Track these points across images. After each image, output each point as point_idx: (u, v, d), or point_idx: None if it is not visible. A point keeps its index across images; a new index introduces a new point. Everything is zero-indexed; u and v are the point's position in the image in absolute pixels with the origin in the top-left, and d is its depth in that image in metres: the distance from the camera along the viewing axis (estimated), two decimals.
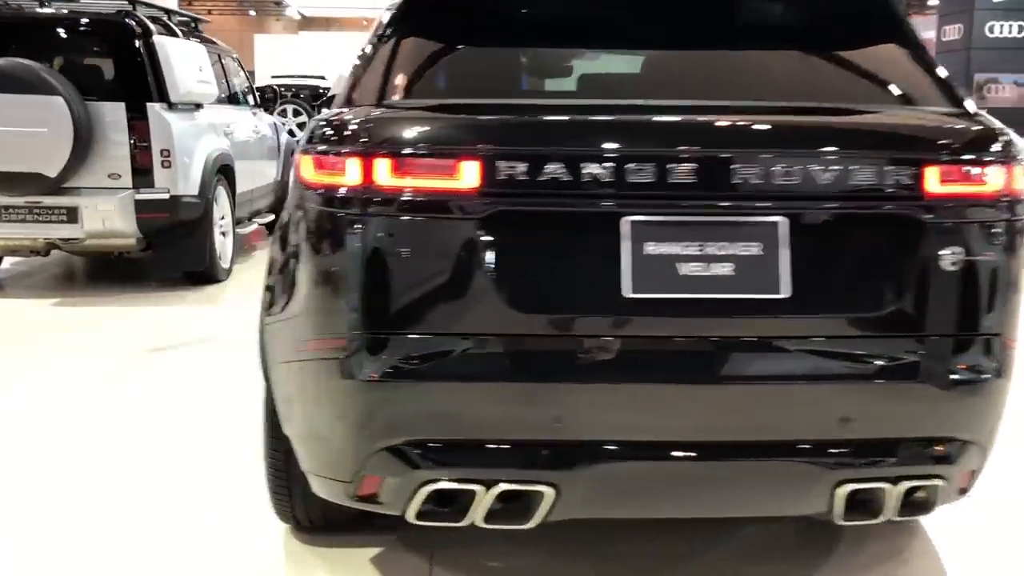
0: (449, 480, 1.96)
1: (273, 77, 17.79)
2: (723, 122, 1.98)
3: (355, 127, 2.01)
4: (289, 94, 15.47)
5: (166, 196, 6.20)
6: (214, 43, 8.02)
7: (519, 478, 1.95)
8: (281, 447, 2.52)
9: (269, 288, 2.40)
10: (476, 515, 2.01)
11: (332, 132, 2.07)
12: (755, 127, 1.99)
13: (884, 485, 1.98)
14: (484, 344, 1.92)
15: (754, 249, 1.89)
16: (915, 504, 2.07)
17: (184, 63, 6.55)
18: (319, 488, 2.28)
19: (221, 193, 6.89)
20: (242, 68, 8.62)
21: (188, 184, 6.35)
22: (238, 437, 3.59)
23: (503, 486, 1.94)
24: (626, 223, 1.88)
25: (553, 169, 1.86)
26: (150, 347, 4.98)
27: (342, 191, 1.99)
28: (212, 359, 4.79)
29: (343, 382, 1.99)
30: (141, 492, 3.10)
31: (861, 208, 1.94)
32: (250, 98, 8.63)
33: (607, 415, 1.93)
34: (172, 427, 3.74)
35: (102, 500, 3.03)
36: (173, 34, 6.73)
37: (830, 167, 1.90)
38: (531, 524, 2.02)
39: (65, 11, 6.61)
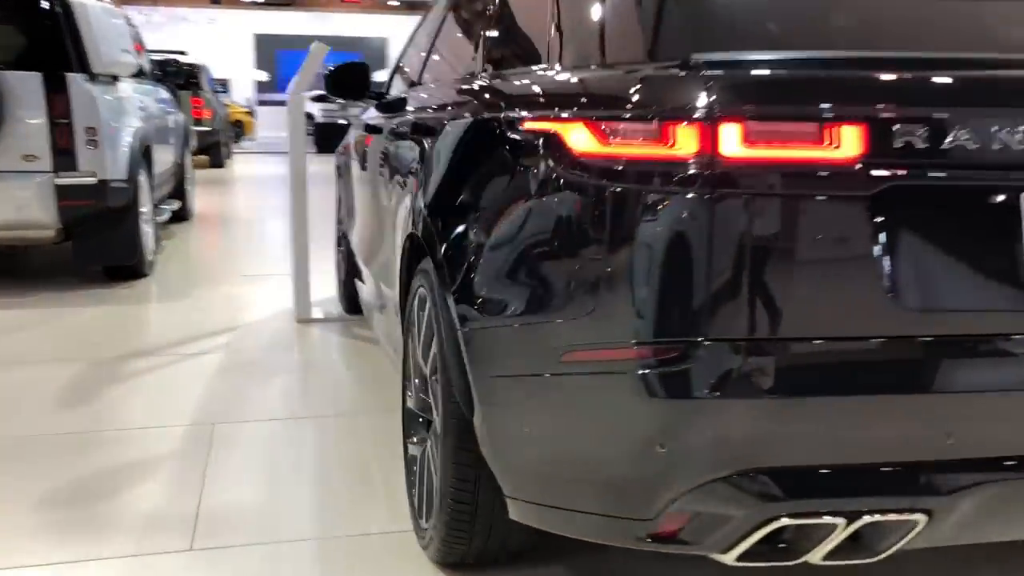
0: (806, 514, 1.62)
1: None
2: None
3: (680, 87, 1.62)
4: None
5: (93, 180, 5.42)
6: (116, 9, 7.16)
7: (890, 507, 1.63)
8: (471, 475, 2.11)
9: (474, 285, 1.97)
10: (819, 552, 1.68)
11: (638, 95, 1.67)
12: None
13: None
14: (858, 350, 1.59)
15: None
16: None
17: (106, 28, 5.77)
18: (565, 526, 1.90)
19: (143, 177, 6.13)
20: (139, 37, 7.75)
21: (116, 167, 5.59)
22: (269, 464, 3.11)
23: (869, 517, 1.63)
24: None
25: (958, 136, 1.55)
26: (104, 356, 4.28)
27: (658, 166, 1.60)
28: (184, 368, 4.17)
29: (663, 403, 1.61)
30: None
31: None
32: (145, 68, 7.76)
33: (1007, 427, 1.64)
34: (183, 453, 3.18)
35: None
36: None
37: None
38: (879, 557, 1.72)
39: None
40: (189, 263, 6.94)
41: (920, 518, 1.64)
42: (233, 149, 17.46)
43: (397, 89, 3.92)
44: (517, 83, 2.17)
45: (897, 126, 1.55)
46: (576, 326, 1.72)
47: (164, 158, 7.34)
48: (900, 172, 1.56)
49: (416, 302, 2.52)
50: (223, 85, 16.31)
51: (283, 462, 3.09)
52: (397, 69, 4.13)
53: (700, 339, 1.58)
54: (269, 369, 4.15)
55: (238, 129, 19.84)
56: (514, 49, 2.43)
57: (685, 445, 1.63)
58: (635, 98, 1.67)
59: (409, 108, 3.19)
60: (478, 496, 2.13)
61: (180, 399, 3.68)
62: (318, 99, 24.25)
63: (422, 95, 3.10)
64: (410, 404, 2.65)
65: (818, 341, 1.59)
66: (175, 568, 2.38)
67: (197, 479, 2.92)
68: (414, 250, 2.59)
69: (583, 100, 1.82)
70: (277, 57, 27.52)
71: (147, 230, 6.12)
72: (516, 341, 1.87)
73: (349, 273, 4.83)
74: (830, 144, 1.55)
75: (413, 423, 2.65)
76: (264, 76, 26.90)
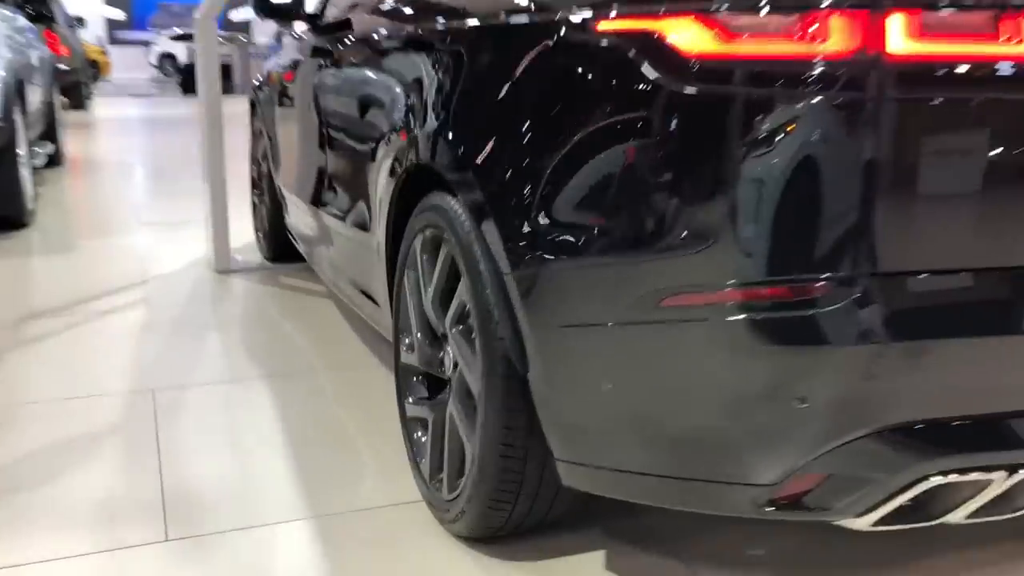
0: (963, 470, 1.42)
1: None
2: None
3: None
4: None
5: None
6: None
7: None
8: (520, 440, 1.84)
9: (536, 222, 1.67)
10: (965, 510, 1.49)
11: None
12: None
13: None
14: None
15: None
16: None
17: None
18: (643, 493, 1.67)
19: (18, 116, 5.46)
20: None
21: None
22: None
23: None
24: None
25: None
26: (1, 318, 3.77)
27: (804, 67, 1.33)
28: (101, 327, 3.70)
29: (807, 350, 1.37)
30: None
31: None
32: None
33: None
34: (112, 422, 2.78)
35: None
36: None
37: None
38: (1018, 513, 1.54)
39: None
40: (73, 212, 6.29)
41: None
42: (92, 90, 16.24)
43: (339, 9, 3.49)
44: None
45: None
46: (686, 264, 1.44)
47: (34, 97, 6.60)
48: None
49: (419, 244, 2.20)
50: (79, 21, 14.99)
51: (245, 430, 2.72)
52: None
53: (860, 274, 1.34)
54: (199, 325, 3.72)
55: (94, 70, 18.45)
56: None
57: (833, 398, 1.39)
58: None
59: (383, 24, 2.80)
60: (527, 463, 1.86)
61: (106, 363, 3.23)
62: (180, 38, 22.88)
63: (403, 8, 2.71)
64: (408, 360, 2.33)
65: (995, 272, 1.38)
66: (156, 563, 2.01)
67: (151, 456, 2.53)
68: (414, 184, 2.25)
69: None
70: None
71: (25, 175, 5.47)
72: (595, 284, 1.58)
73: (273, 217, 4.41)
74: (1010, 39, 1.32)
75: (409, 381, 2.34)
76: (120, 14, 25.07)
